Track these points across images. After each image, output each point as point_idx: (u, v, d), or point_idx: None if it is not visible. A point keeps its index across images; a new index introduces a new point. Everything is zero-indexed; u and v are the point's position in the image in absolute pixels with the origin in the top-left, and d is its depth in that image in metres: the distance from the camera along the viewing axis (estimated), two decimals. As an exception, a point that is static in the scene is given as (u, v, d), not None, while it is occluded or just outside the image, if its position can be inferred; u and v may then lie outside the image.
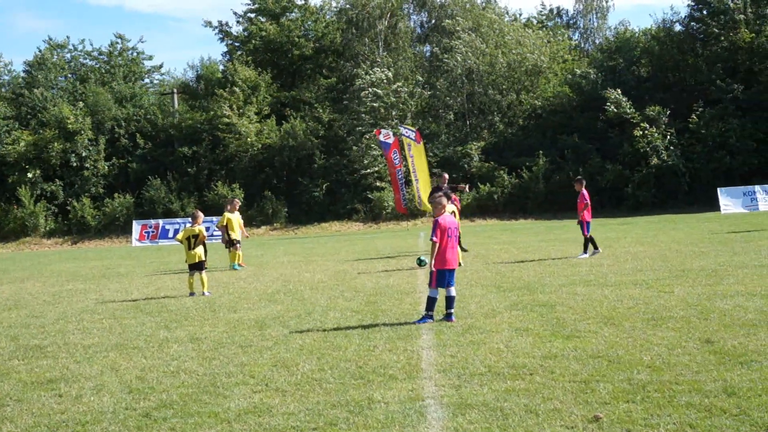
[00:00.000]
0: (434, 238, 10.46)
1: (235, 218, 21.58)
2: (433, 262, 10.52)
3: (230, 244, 21.33)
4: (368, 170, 46.83)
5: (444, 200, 11.06)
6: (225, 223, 21.36)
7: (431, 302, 10.46)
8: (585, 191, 18.94)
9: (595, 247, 18.55)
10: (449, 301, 10.50)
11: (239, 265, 21.30)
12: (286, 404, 6.89)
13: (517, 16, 59.02)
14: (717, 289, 11.81)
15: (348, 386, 7.33)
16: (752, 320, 9.31)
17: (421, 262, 18.05)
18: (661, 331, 8.97)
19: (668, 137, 42.82)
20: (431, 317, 10.41)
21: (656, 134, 42.63)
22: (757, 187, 38.52)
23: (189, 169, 50.59)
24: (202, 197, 48.43)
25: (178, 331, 10.90)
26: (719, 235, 23.07)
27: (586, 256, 18.22)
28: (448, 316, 10.43)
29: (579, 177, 20.30)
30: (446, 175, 22.44)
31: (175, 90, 56.45)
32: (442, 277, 10.47)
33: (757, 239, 20.46)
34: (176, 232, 42.51)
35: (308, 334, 9.99)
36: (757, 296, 11.00)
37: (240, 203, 22.79)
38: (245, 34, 57.07)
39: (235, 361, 8.67)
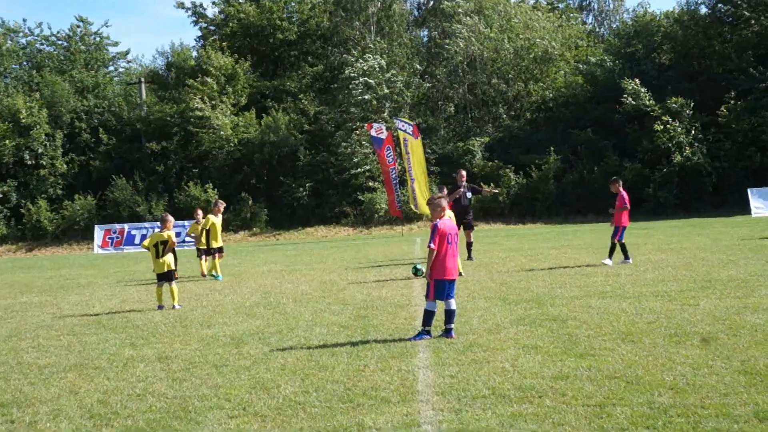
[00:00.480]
0: (432, 245, 10.44)
1: (219, 222, 21.69)
2: (430, 271, 10.51)
3: (207, 252, 21.48)
4: (359, 169, 46.82)
5: (444, 202, 11.03)
6: (208, 227, 21.39)
7: (428, 316, 10.45)
8: (624, 192, 18.99)
9: (626, 257, 18.58)
10: (449, 315, 10.48)
11: (203, 275, 21.54)
12: (266, 431, 6.88)
13: (525, -4, 59.15)
14: (748, 302, 11.83)
15: (335, 411, 7.32)
16: (786, 336, 9.35)
17: (417, 271, 18.06)
18: (685, 348, 8.98)
19: (693, 132, 42.92)
20: (428, 333, 10.41)
21: (679, 129, 42.71)
22: (792, 189, 38.70)
23: (158, 168, 50.55)
24: (172, 199, 48.38)
25: (145, 349, 10.87)
26: (750, 241, 23.13)
27: (610, 262, 18.27)
28: (447, 332, 10.42)
29: (615, 177, 20.42)
30: (463, 172, 22.51)
31: (142, 79, 56.37)
32: (441, 288, 10.46)
33: (791, 246, 20.53)
34: (143, 237, 42.42)
35: (291, 353, 9.98)
36: (791, 309, 11.05)
37: (224, 205, 22.81)
38: (221, 16, 57.06)
39: (208, 383, 8.65)
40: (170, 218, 16.07)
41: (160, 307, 15.16)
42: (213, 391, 8.28)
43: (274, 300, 15.48)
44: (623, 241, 18.69)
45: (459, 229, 21.31)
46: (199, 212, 22.38)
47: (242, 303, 15.35)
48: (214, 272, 21.20)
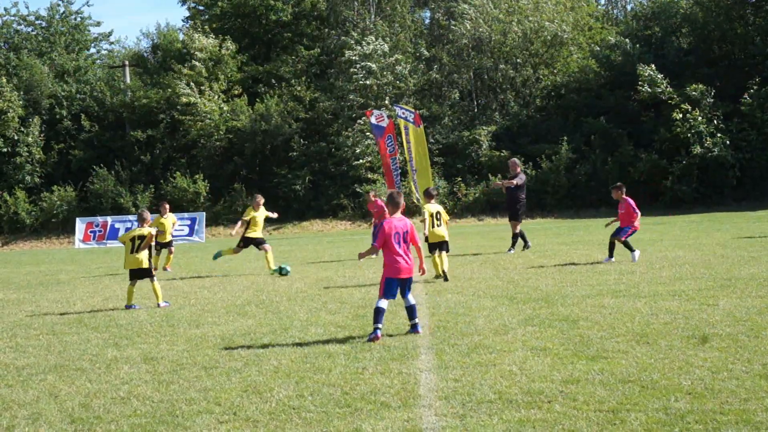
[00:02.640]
0: (375, 244, 11.15)
1: (261, 216, 21.74)
2: (383, 270, 11.03)
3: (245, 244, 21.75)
4: (360, 160, 46.72)
5: (400, 199, 11.37)
6: (248, 219, 21.64)
7: (376, 313, 10.73)
8: (630, 198, 19.02)
9: (611, 255, 18.66)
10: (410, 310, 10.98)
11: (165, 268, 22.84)
12: (257, 437, 6.91)
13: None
14: (770, 302, 11.87)
15: (332, 416, 7.34)
16: (811, 338, 9.37)
17: (281, 270, 19.37)
18: (703, 351, 9.00)
19: (714, 122, 42.89)
20: (377, 330, 10.62)
21: (699, 118, 42.65)
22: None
23: (143, 157, 50.55)
24: (158, 190, 48.38)
25: (129, 350, 10.89)
26: (773, 237, 23.18)
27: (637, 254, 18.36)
28: (413, 328, 10.89)
29: (619, 183, 20.42)
30: (516, 160, 23.62)
31: (126, 62, 56.36)
32: (390, 286, 10.90)
33: (818, 242, 20.54)
34: (128, 231, 42.43)
35: (285, 354, 10.00)
36: (817, 310, 11.07)
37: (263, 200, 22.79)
38: (210, -5, 57.04)
39: (197, 386, 8.67)
40: (148, 215, 16.18)
41: (128, 307, 15.17)
42: (202, 394, 8.30)
43: (267, 298, 15.50)
44: (626, 240, 18.68)
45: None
46: (166, 206, 23.85)
47: (233, 301, 15.37)
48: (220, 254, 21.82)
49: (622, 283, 14.71)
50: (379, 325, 10.63)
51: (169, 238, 23.48)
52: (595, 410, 7.07)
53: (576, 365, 8.63)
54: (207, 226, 44.73)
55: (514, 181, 22.88)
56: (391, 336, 10.78)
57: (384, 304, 10.80)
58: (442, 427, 6.87)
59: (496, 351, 9.52)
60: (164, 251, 23.43)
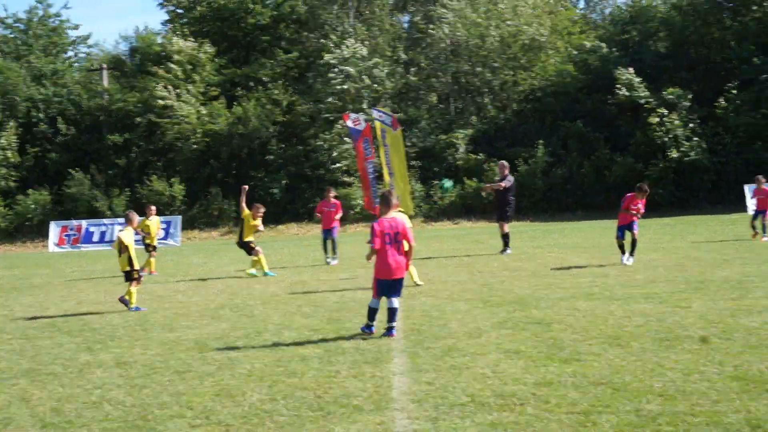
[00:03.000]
0: (373, 246, 10.97)
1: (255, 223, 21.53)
2: (373, 270, 11.13)
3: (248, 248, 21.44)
4: (337, 164, 46.67)
5: (393, 200, 11.46)
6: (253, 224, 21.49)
7: (370, 312, 11.07)
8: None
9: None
10: (390, 313, 11.00)
11: (151, 272, 23.04)
12: (229, 441, 6.89)
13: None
14: (742, 304, 11.95)
15: (304, 419, 7.34)
16: (782, 341, 9.45)
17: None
18: (675, 353, 9.06)
19: (690, 125, 43.13)
20: (369, 327, 11.00)
21: (676, 122, 42.90)
22: (792, 185, 38.84)
23: (118, 161, 50.28)
24: (134, 193, 48.12)
25: (102, 354, 10.84)
26: (746, 240, 23.32)
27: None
28: (388, 331, 10.92)
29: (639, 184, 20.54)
30: (505, 162, 23.93)
31: (104, 66, 56.10)
32: (382, 287, 11.05)
33: (791, 246, 20.70)
34: (102, 235, 42.36)
35: (258, 358, 9.99)
36: (788, 312, 11.16)
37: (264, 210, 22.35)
38: (190, -2, 56.86)
39: (170, 390, 8.64)
40: (133, 215, 15.96)
41: (126, 304, 15.11)
42: (174, 398, 8.28)
43: (242, 302, 15.47)
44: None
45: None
46: (152, 208, 24.38)
47: (207, 305, 15.33)
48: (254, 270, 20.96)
49: (596, 286, 14.79)
50: (371, 323, 10.98)
51: (155, 240, 23.90)
52: (567, 412, 7.10)
53: (548, 368, 8.67)
54: (183, 229, 44.48)
55: (503, 184, 23.01)
56: (364, 339, 10.79)
57: (377, 303, 11.03)
58: (415, 430, 6.88)
59: (470, 354, 9.55)
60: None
